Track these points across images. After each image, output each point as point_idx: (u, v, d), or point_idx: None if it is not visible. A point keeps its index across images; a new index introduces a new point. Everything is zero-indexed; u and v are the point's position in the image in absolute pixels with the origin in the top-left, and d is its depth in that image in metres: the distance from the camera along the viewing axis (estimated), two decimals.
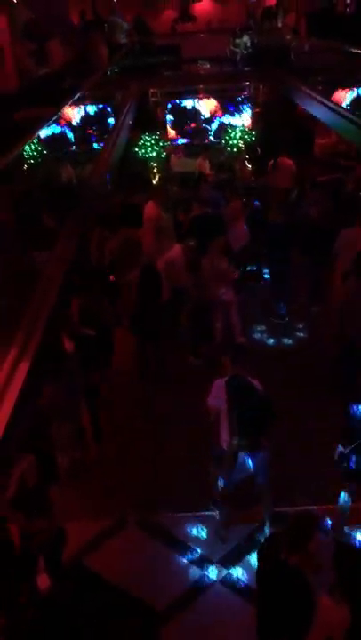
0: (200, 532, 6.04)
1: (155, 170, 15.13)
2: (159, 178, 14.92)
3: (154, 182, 14.52)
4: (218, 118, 16.93)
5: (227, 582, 5.54)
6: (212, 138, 16.80)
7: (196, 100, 16.79)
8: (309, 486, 6.34)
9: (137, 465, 6.93)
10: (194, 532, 6.05)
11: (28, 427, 5.24)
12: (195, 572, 5.67)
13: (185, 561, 5.78)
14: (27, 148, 14.36)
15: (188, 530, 6.08)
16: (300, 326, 9.42)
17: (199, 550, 5.86)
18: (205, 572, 5.64)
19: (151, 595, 5.28)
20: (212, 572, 5.63)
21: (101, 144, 15.03)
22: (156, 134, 15.65)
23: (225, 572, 5.64)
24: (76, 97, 11.00)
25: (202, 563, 5.74)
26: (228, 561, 5.73)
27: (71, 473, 6.74)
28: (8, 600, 4.90)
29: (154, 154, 15.29)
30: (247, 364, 5.80)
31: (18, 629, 4.91)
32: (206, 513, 6.12)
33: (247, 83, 16.58)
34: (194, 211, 10.04)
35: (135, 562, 5.74)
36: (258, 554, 4.39)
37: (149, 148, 15.32)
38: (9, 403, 4.02)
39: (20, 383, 4.20)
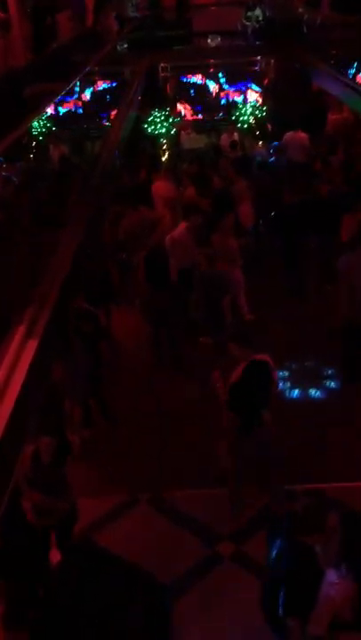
0: (210, 508, 6.04)
1: (164, 147, 14.97)
2: (168, 155, 14.77)
3: (163, 159, 14.38)
4: (228, 94, 16.71)
5: (237, 558, 5.57)
6: (222, 114, 16.59)
7: (206, 75, 16.56)
8: (320, 464, 6.34)
9: (148, 443, 6.93)
10: (204, 508, 6.06)
11: (40, 404, 5.25)
12: (205, 548, 5.70)
13: (195, 537, 5.81)
14: (35, 124, 14.23)
15: (199, 507, 6.09)
16: (313, 305, 9.35)
17: (209, 527, 5.88)
18: (216, 549, 5.67)
19: (162, 571, 5.29)
20: (223, 549, 5.66)
21: (110, 121, 14.88)
22: (166, 110, 15.47)
23: (235, 547, 5.66)
24: (85, 72, 10.85)
25: (212, 539, 5.76)
26: (238, 537, 5.76)
27: (81, 451, 6.77)
28: (23, 575, 4.97)
29: (163, 130, 15.12)
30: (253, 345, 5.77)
31: (29, 605, 4.99)
32: (216, 490, 6.12)
33: (258, 57, 16.33)
34: (215, 184, 9.92)
35: (146, 538, 5.78)
36: (268, 531, 4.40)
37: (159, 125, 15.15)
38: (19, 379, 4.02)
39: (28, 360, 4.20)
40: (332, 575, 3.84)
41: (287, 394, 7.51)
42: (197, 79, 16.78)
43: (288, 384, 7.56)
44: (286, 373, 7.57)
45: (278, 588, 4.10)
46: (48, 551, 5.26)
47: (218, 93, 16.80)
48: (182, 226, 8.64)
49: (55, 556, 5.33)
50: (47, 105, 9.34)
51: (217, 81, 16.78)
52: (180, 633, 4.91)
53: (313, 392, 7.57)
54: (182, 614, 5.07)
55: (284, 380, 6.99)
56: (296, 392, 7.58)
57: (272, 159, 12.14)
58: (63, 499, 5.17)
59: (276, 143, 11.36)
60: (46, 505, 5.10)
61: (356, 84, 12.57)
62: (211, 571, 5.50)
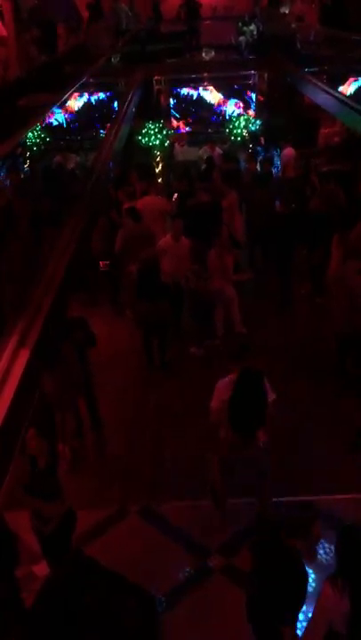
0: (200, 521, 6.03)
1: (158, 158, 15.06)
2: (162, 167, 14.85)
3: (156, 171, 14.45)
4: (222, 107, 16.84)
5: (226, 571, 5.54)
6: (215, 127, 16.71)
7: (200, 89, 16.70)
8: (310, 478, 6.35)
9: (137, 455, 6.94)
10: (194, 520, 6.04)
11: (31, 414, 5.24)
12: (194, 561, 5.68)
13: (185, 550, 5.79)
14: (29, 135, 14.28)
15: (189, 519, 6.08)
16: (304, 317, 9.41)
17: (199, 539, 5.86)
18: (205, 561, 5.65)
19: (151, 583, 5.28)
20: (212, 561, 5.64)
21: (104, 132, 14.96)
22: (160, 122, 15.57)
23: (224, 561, 5.65)
24: (79, 84, 10.92)
25: (201, 552, 5.74)
26: (227, 550, 5.74)
27: (71, 463, 6.76)
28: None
29: (157, 142, 15.21)
30: (250, 359, 5.77)
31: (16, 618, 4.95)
32: (206, 502, 6.11)
33: (252, 71, 16.49)
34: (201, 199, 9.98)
35: (135, 550, 5.74)
36: (255, 537, 4.40)
37: (153, 137, 15.24)
38: (9, 390, 4.01)
39: (20, 371, 4.18)
40: (327, 588, 3.85)
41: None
42: (191, 92, 16.91)
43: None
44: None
45: (266, 594, 4.10)
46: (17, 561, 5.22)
47: (211, 106, 16.94)
48: (168, 238, 8.71)
49: (42, 569, 5.30)
50: (41, 116, 9.38)
51: (211, 94, 16.92)
52: None
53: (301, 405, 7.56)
54: (171, 627, 5.04)
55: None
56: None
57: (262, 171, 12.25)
58: (60, 504, 5.18)
59: (264, 154, 11.47)
60: (47, 512, 5.10)
61: (348, 98, 12.72)
62: (200, 584, 5.47)
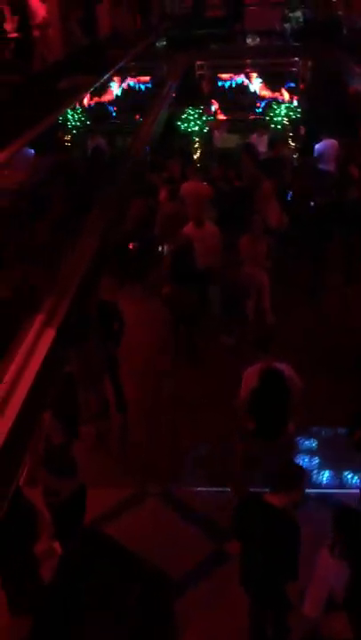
0: (219, 507, 6.05)
1: (196, 145, 14.97)
2: (200, 153, 14.76)
3: (195, 157, 14.38)
4: (264, 94, 16.62)
5: None
6: (257, 114, 16.51)
7: (242, 75, 16.51)
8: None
9: (157, 440, 6.97)
10: (213, 506, 6.06)
11: (54, 392, 5.33)
12: (212, 545, 5.72)
13: (203, 534, 5.83)
14: (68, 116, 14.35)
15: (208, 504, 6.11)
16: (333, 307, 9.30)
17: (217, 525, 5.88)
18: (222, 547, 5.68)
19: (166, 565, 5.32)
20: (229, 547, 5.66)
21: (143, 116, 14.94)
22: (200, 109, 15.46)
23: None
24: (119, 67, 10.92)
25: (219, 537, 5.77)
26: None
27: (95, 442, 6.84)
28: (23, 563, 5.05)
29: (196, 128, 15.11)
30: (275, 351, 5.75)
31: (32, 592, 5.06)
32: (226, 489, 6.13)
33: (296, 58, 16.22)
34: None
35: (153, 532, 5.81)
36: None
37: (192, 123, 15.14)
38: (33, 368, 4.08)
39: (45, 349, 4.26)
40: (326, 557, 3.90)
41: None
42: (234, 78, 16.73)
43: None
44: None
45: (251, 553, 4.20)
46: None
47: (253, 93, 16.73)
48: (206, 224, 8.69)
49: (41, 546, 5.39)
50: (80, 97, 9.41)
51: (253, 81, 16.71)
52: (182, 627, 4.94)
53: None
54: (185, 609, 5.09)
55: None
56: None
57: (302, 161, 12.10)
58: (72, 479, 5.27)
59: (306, 145, 11.32)
60: (59, 487, 5.21)
61: None
62: (216, 568, 5.51)
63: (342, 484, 6.27)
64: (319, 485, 6.28)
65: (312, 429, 6.90)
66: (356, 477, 6.30)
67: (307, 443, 6.78)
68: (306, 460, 6.52)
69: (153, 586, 4.74)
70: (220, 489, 6.21)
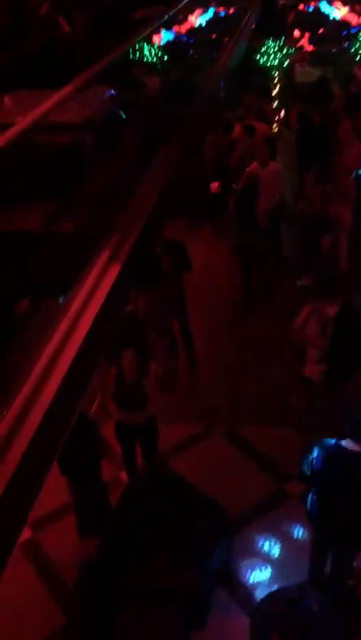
0: (282, 447, 6.05)
1: (275, 79, 14.34)
2: (279, 88, 14.15)
3: (273, 93, 13.79)
4: (350, 24, 15.65)
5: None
6: (341, 46, 15.57)
7: (326, 3, 15.57)
8: None
9: (227, 378, 6.99)
10: (276, 446, 6.09)
11: (120, 329, 5.40)
12: (273, 484, 5.78)
13: (265, 473, 5.90)
14: (145, 51, 13.98)
15: (271, 444, 6.14)
16: None
17: (280, 465, 5.92)
18: (284, 487, 5.72)
19: (227, 502, 5.41)
20: (290, 487, 5.69)
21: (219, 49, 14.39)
22: (281, 41, 14.72)
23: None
24: None
25: (281, 477, 5.81)
26: None
27: (164, 381, 6.93)
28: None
29: (276, 62, 14.44)
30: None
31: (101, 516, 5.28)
32: (290, 430, 6.11)
33: None
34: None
35: (217, 468, 5.89)
36: None
37: (272, 56, 14.47)
38: (96, 303, 4.10)
39: (108, 286, 4.26)
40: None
41: None
42: (318, 7, 15.82)
43: None
44: None
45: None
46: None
47: (339, 23, 15.77)
48: (270, 163, 8.40)
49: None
50: (154, 28, 9.12)
51: (338, 10, 15.74)
52: (239, 560, 5.06)
53: None
54: (242, 544, 5.20)
55: None
56: None
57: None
58: (144, 412, 5.42)
59: None
60: (130, 420, 5.43)
61: None
62: (276, 507, 5.56)
63: None
64: None
65: None
66: None
67: None
68: None
69: (213, 520, 4.85)
70: (285, 430, 6.21)
